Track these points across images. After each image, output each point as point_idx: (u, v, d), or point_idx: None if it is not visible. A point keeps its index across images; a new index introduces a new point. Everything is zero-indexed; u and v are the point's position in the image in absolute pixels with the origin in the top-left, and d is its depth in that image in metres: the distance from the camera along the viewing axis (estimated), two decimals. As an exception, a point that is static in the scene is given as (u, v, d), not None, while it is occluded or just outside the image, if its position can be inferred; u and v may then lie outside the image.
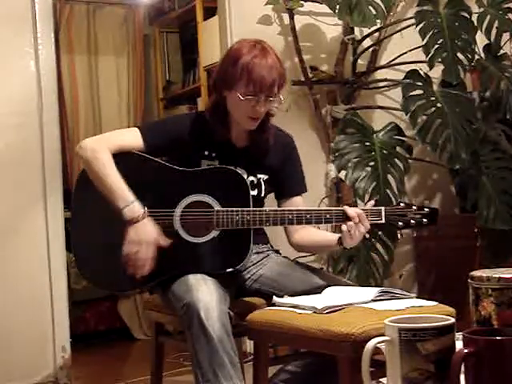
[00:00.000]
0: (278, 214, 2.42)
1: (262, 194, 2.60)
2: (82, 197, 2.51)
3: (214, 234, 2.42)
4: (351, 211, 2.39)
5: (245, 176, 2.51)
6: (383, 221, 2.41)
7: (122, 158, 2.44)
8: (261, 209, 2.45)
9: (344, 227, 2.38)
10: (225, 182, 2.45)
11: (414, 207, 2.44)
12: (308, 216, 2.41)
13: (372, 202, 2.47)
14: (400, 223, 2.43)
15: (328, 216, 2.41)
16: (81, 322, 4.79)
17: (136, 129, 2.53)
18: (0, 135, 3.48)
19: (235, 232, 2.41)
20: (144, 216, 2.36)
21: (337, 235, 2.48)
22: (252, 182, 2.55)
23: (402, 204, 2.44)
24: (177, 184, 2.45)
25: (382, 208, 2.43)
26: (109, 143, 2.45)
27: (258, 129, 2.53)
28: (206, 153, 2.53)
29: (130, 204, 2.36)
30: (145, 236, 2.35)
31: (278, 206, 2.65)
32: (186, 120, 2.59)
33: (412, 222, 2.42)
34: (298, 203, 2.63)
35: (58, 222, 3.59)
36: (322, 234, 2.66)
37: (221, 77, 2.49)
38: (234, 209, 2.40)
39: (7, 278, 3.47)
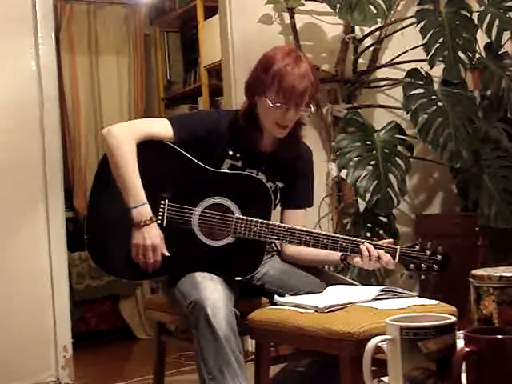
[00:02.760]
0: (295, 234, 2.41)
1: (276, 201, 2.60)
2: (102, 182, 2.48)
3: (229, 240, 2.42)
4: (364, 249, 2.37)
5: (264, 181, 2.51)
6: (396, 260, 2.39)
7: (154, 146, 2.44)
8: (280, 224, 2.45)
9: (358, 259, 2.40)
10: (250, 190, 2.45)
11: (428, 252, 2.40)
12: (325, 241, 2.40)
13: (391, 240, 2.46)
14: (411, 265, 2.40)
15: (344, 245, 2.40)
16: (82, 322, 4.79)
17: (166, 120, 2.51)
18: (1, 135, 3.48)
19: (249, 242, 2.41)
20: (151, 221, 2.36)
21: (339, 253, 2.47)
22: (270, 187, 2.52)
23: (417, 247, 2.41)
24: (202, 183, 2.44)
25: (398, 248, 2.40)
26: (138, 131, 2.44)
27: (288, 137, 2.51)
28: (231, 152, 2.51)
29: (141, 206, 2.36)
30: (150, 241, 2.35)
31: (281, 214, 2.64)
32: (216, 118, 2.57)
33: (423, 266, 2.40)
34: (300, 216, 2.62)
35: (59, 221, 3.60)
36: (321, 250, 2.52)
37: (252, 82, 2.47)
38: (254, 219, 2.40)
39: (8, 278, 3.47)
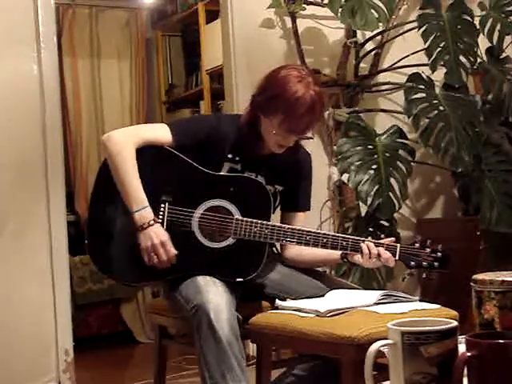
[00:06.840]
0: (295, 234, 2.42)
1: (276, 204, 2.61)
2: (103, 186, 2.49)
3: (229, 241, 2.42)
4: (364, 247, 2.38)
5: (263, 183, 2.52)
6: (396, 257, 2.40)
7: (153, 151, 2.45)
8: (280, 225, 2.46)
9: (358, 257, 2.40)
10: (249, 193, 2.46)
11: (428, 249, 2.41)
12: (325, 240, 2.41)
13: (392, 238, 2.45)
14: (412, 263, 2.40)
15: (344, 243, 2.41)
16: (83, 326, 4.79)
17: (165, 125, 2.53)
18: (2, 138, 3.48)
19: (250, 243, 2.42)
20: (154, 222, 2.37)
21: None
22: (270, 190, 2.53)
23: (416, 244, 2.41)
24: (202, 186, 2.45)
25: (398, 245, 2.41)
26: (137, 136, 2.46)
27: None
28: (230, 156, 2.52)
29: (142, 209, 2.37)
30: (157, 239, 2.35)
31: (281, 217, 2.66)
32: (216, 121, 2.58)
33: (424, 263, 2.40)
34: (300, 218, 2.63)
35: (60, 225, 3.59)
36: (321, 249, 2.51)
37: (259, 100, 2.47)
38: (254, 220, 2.41)
39: (10, 281, 3.47)
